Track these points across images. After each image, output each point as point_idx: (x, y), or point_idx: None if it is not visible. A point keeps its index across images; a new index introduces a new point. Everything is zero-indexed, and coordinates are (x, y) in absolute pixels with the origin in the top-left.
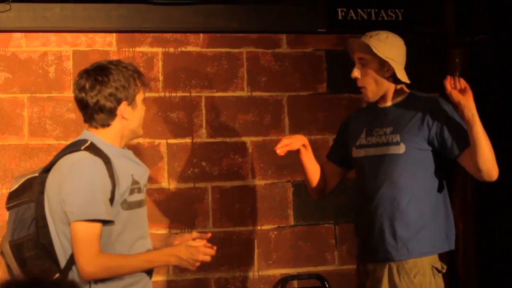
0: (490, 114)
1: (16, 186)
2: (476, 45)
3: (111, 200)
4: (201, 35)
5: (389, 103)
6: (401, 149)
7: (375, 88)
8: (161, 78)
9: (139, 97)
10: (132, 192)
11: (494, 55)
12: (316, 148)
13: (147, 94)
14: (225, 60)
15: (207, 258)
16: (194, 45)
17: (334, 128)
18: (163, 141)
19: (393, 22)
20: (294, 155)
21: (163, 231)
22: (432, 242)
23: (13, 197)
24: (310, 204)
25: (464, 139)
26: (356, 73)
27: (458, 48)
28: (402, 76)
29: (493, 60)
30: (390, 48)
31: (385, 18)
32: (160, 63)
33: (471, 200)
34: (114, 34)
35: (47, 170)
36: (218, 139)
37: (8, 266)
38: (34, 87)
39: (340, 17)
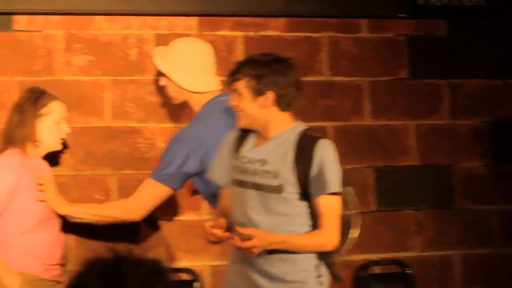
0: None
1: None
2: None
3: None
4: (281, 19)
5: None
6: None
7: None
8: None
9: None
10: None
11: None
12: (397, 134)
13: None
14: (305, 44)
15: (209, 238)
16: (274, 29)
17: (414, 114)
18: None
19: (474, 8)
20: (375, 140)
21: None
22: None
23: None
24: (392, 189)
25: None
26: (161, 81)
27: None
28: (183, 83)
29: None
30: (168, 57)
31: (467, 4)
32: (241, 47)
33: None
34: (195, 18)
35: None
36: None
37: None
38: (116, 70)
39: (421, 2)
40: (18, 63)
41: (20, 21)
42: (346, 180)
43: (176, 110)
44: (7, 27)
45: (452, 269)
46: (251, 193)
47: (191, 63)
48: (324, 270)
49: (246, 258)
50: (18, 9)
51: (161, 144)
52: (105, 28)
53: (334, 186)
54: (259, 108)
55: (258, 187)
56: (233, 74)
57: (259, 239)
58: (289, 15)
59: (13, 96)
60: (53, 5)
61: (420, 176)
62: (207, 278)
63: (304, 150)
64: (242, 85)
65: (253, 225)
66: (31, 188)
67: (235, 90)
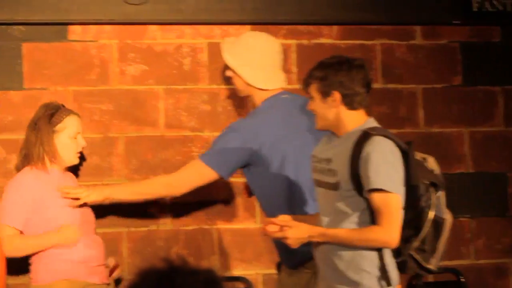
0: None
1: None
2: None
3: None
4: (335, 27)
5: None
6: None
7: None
8: (295, 70)
9: None
10: None
11: None
12: (451, 142)
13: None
14: (359, 52)
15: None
16: (328, 37)
17: (468, 121)
18: None
19: None
20: (429, 148)
21: None
22: None
23: None
24: (446, 197)
25: None
26: (227, 72)
27: None
28: (250, 79)
29: None
30: (235, 51)
31: None
32: (294, 55)
33: None
34: (248, 26)
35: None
36: None
37: None
38: (170, 79)
39: (475, 9)
40: (73, 72)
41: (75, 31)
42: (439, 184)
43: (230, 118)
44: (62, 37)
45: (506, 277)
46: (320, 191)
47: (259, 60)
48: (388, 273)
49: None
50: (74, 20)
51: None
52: (158, 37)
53: (378, 183)
54: (328, 109)
55: (323, 184)
56: (306, 79)
57: (294, 231)
58: (343, 22)
59: (68, 106)
60: (108, 15)
61: (474, 184)
62: (260, 287)
63: (358, 147)
64: (313, 89)
65: (320, 224)
66: (56, 199)
67: (309, 94)
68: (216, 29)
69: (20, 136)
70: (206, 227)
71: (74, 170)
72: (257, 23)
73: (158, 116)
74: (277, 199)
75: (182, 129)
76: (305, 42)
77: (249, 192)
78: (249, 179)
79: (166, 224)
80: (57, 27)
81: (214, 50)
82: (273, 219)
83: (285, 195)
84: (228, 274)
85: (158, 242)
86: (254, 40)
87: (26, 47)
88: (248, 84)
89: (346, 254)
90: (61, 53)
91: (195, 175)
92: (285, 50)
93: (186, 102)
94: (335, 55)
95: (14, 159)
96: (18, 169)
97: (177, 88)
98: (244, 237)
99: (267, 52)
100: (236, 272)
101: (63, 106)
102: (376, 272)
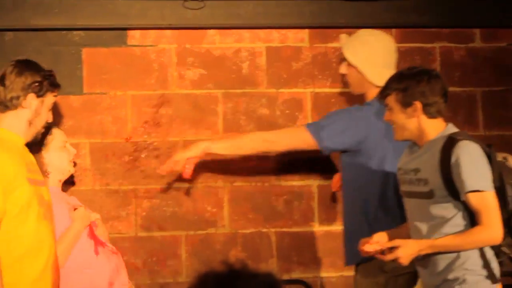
0: None
1: None
2: None
3: None
4: (393, 30)
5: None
6: None
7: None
8: None
9: None
10: None
11: None
12: (510, 144)
13: (340, 89)
14: (418, 55)
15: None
16: None
17: None
18: None
19: None
20: None
21: None
22: None
23: None
24: None
25: None
26: (342, 69)
27: None
28: (371, 77)
29: None
30: (360, 51)
31: None
32: None
33: None
34: (306, 30)
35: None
36: None
37: None
38: (228, 83)
39: None
40: (132, 77)
41: (134, 36)
42: None
43: (288, 122)
44: (122, 42)
45: None
46: (411, 202)
47: (381, 58)
48: (492, 270)
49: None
50: (133, 25)
51: (274, 156)
52: (217, 41)
53: (474, 184)
54: (408, 119)
55: (414, 195)
56: (383, 90)
57: (404, 249)
58: (401, 26)
59: (127, 110)
60: (167, 20)
61: None
62: None
63: (446, 153)
64: (391, 99)
65: (417, 231)
66: (62, 215)
67: (386, 105)
68: (275, 33)
69: (80, 140)
70: (264, 230)
71: (133, 171)
72: (315, 26)
73: (216, 120)
74: (372, 196)
75: (241, 133)
76: None
77: (334, 197)
78: (346, 168)
79: (224, 227)
80: (116, 32)
81: (273, 54)
82: (369, 240)
83: (379, 192)
84: (286, 277)
85: (216, 245)
86: (375, 38)
87: (86, 52)
88: (367, 81)
89: (448, 256)
90: (120, 57)
91: (297, 138)
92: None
93: (244, 105)
94: (412, 66)
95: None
96: None
97: (236, 92)
98: (302, 240)
99: (387, 51)
100: (295, 275)
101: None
102: (480, 271)
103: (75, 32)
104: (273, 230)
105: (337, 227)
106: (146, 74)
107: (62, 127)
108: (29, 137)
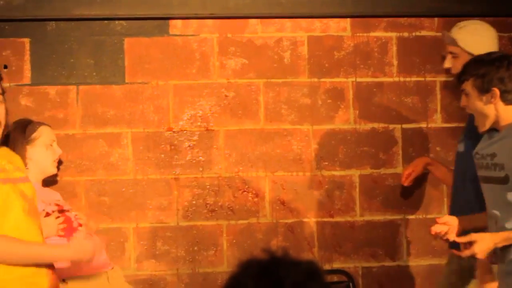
0: None
1: None
2: None
3: None
4: (436, 19)
5: None
6: None
7: None
8: (395, 63)
9: None
10: None
11: None
12: None
13: (382, 79)
14: None
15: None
16: (429, 29)
17: None
18: (398, 126)
19: None
20: None
21: (397, 216)
22: None
23: None
24: None
25: None
26: (447, 64)
27: None
28: None
29: None
30: (478, 40)
31: None
32: (394, 48)
33: None
34: (348, 19)
35: None
36: (453, 124)
37: None
38: (270, 72)
39: None
40: (173, 66)
41: (176, 26)
42: None
43: (330, 111)
44: (164, 31)
45: None
46: (487, 187)
47: (491, 45)
48: None
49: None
50: (175, 14)
51: (315, 146)
52: (259, 31)
53: None
54: (485, 105)
55: (490, 180)
56: (460, 76)
57: (480, 244)
58: (444, 14)
59: (169, 100)
60: (209, 9)
61: None
62: (359, 280)
63: None
64: (468, 85)
65: (494, 217)
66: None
67: (463, 91)
68: (317, 22)
69: (122, 130)
70: (306, 220)
71: (175, 161)
72: (357, 16)
73: (258, 109)
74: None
75: (282, 123)
76: (405, 34)
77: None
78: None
79: (265, 217)
80: (158, 21)
81: (314, 43)
82: (459, 239)
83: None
84: (327, 267)
85: (257, 235)
86: (481, 27)
87: (128, 41)
88: None
89: None
90: (162, 47)
91: None
92: (386, 43)
93: (286, 95)
94: (491, 52)
95: (115, 153)
96: None
97: (277, 82)
98: (343, 230)
99: (495, 38)
100: (336, 265)
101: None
102: None
103: (117, 22)
104: (314, 220)
105: (379, 217)
106: (188, 64)
107: (104, 116)
108: None
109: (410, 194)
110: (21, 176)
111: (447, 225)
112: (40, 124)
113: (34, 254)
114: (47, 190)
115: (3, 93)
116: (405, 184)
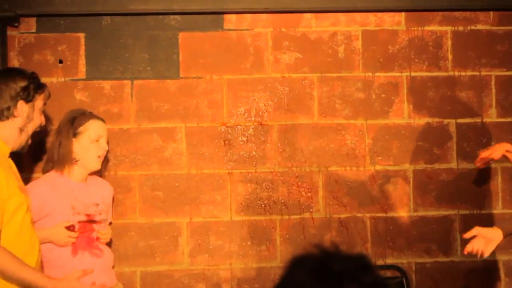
0: None
1: None
2: None
3: None
4: (491, 13)
5: None
6: None
7: None
8: (450, 57)
9: None
10: None
11: None
12: None
13: (437, 73)
14: None
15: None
16: (484, 23)
17: None
18: (452, 121)
19: None
20: None
21: (451, 211)
22: None
23: None
24: None
25: None
26: None
27: None
28: None
29: None
30: None
31: None
32: (449, 42)
33: None
34: (403, 13)
35: None
36: (509, 119)
37: None
38: (324, 66)
39: None
40: (228, 61)
41: (230, 20)
42: None
43: (384, 106)
44: (218, 26)
45: None
46: None
47: None
48: None
49: None
50: (229, 9)
51: (369, 140)
52: (313, 25)
53: None
54: None
55: None
56: None
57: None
58: (500, 8)
59: (223, 94)
60: (263, 4)
61: None
62: (412, 275)
63: None
64: None
65: None
66: (62, 209)
67: None
68: (371, 16)
69: (176, 124)
70: (359, 215)
71: (228, 156)
72: (412, 9)
73: (312, 104)
74: None
75: (336, 117)
76: (460, 28)
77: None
78: None
79: (319, 212)
80: (213, 16)
81: (369, 37)
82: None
83: None
84: (380, 262)
85: (310, 230)
86: None
87: (182, 36)
88: None
89: None
90: (216, 42)
91: None
92: (440, 37)
93: (340, 90)
94: None
95: (169, 148)
96: (44, 172)
97: (331, 76)
98: (396, 225)
99: None
100: (389, 260)
101: (90, 112)
102: None
103: (172, 17)
104: (367, 215)
105: (432, 212)
106: (242, 58)
107: (158, 111)
108: (17, 146)
109: (464, 190)
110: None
111: (482, 237)
112: (91, 117)
113: (21, 276)
114: (93, 187)
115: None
116: (477, 165)
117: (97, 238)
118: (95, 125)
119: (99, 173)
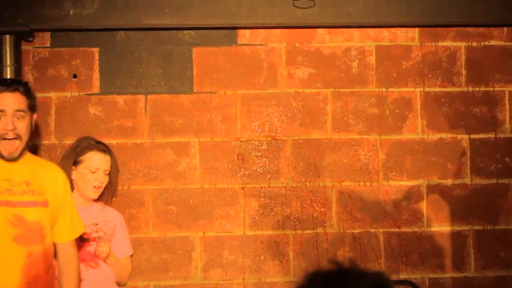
0: None
1: None
2: None
3: None
4: (505, 28)
5: None
6: None
7: None
8: (463, 72)
9: None
10: None
11: None
12: None
13: (451, 89)
14: None
15: None
16: (498, 39)
17: None
18: (466, 136)
19: None
20: None
21: (465, 227)
22: None
23: None
24: None
25: None
26: None
27: None
28: None
29: None
30: None
31: None
32: (463, 58)
33: None
34: (416, 29)
35: None
36: None
37: None
38: (337, 82)
39: None
40: (241, 76)
41: (244, 35)
42: None
43: (398, 121)
44: (232, 41)
45: None
46: None
47: None
48: None
49: None
50: (243, 24)
51: (382, 156)
52: (327, 40)
53: None
54: None
55: None
56: None
57: None
58: None
59: (236, 109)
60: (276, 19)
61: None
62: None
63: None
64: None
65: None
66: None
67: None
68: (385, 32)
69: (189, 139)
70: (372, 230)
71: (242, 170)
72: (426, 25)
73: (325, 119)
74: None
75: (349, 132)
76: (474, 44)
77: None
78: None
79: (332, 227)
80: (226, 31)
81: (382, 52)
82: None
83: None
84: (394, 277)
85: (324, 245)
86: None
87: (196, 51)
88: None
89: None
90: (230, 56)
91: None
92: (454, 53)
93: (353, 105)
94: None
95: (183, 162)
96: None
97: (345, 91)
98: (410, 240)
99: None
100: (402, 275)
101: (97, 142)
102: None
103: (185, 32)
104: (381, 230)
105: (446, 228)
106: (256, 73)
107: (172, 125)
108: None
109: (478, 205)
110: (29, 200)
111: None
112: (93, 148)
113: None
114: (95, 211)
115: (29, 109)
116: None
117: (97, 256)
118: (94, 157)
119: (104, 201)
